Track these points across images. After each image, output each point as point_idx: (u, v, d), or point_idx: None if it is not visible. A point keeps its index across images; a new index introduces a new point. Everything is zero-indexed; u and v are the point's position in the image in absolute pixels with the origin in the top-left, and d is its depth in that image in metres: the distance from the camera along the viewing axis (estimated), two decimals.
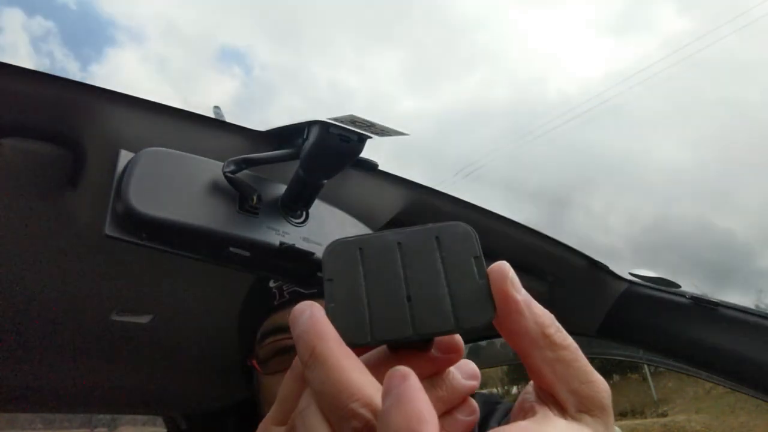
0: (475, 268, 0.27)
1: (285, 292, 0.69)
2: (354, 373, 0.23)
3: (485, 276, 0.26)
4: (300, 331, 0.25)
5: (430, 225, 0.28)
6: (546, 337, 0.25)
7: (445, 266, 0.27)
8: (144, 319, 1.13)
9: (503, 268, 0.26)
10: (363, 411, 0.22)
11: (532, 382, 0.28)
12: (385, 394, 0.21)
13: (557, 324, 0.26)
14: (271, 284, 0.71)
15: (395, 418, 0.20)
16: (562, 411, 0.25)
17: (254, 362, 0.68)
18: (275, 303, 0.68)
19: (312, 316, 0.25)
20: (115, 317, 1.10)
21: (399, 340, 0.25)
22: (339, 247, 0.28)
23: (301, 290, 0.68)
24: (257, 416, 0.74)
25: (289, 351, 0.65)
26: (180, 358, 1.48)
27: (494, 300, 0.26)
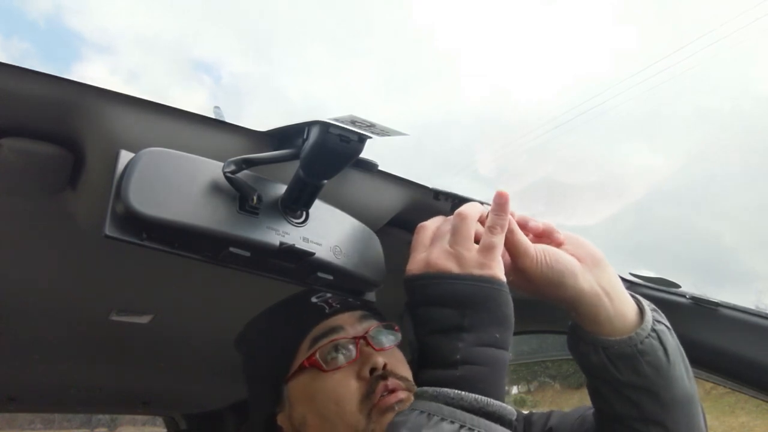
0: None
1: (334, 303, 0.75)
2: None
3: None
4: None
5: None
6: None
7: None
8: (144, 319, 1.13)
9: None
10: None
11: None
12: None
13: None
14: (314, 299, 0.76)
15: None
16: None
17: (314, 361, 0.69)
18: (327, 312, 0.74)
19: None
20: (115, 317, 1.10)
21: None
22: None
23: (349, 299, 0.74)
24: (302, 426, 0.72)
25: (344, 347, 0.70)
26: (180, 358, 1.48)
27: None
